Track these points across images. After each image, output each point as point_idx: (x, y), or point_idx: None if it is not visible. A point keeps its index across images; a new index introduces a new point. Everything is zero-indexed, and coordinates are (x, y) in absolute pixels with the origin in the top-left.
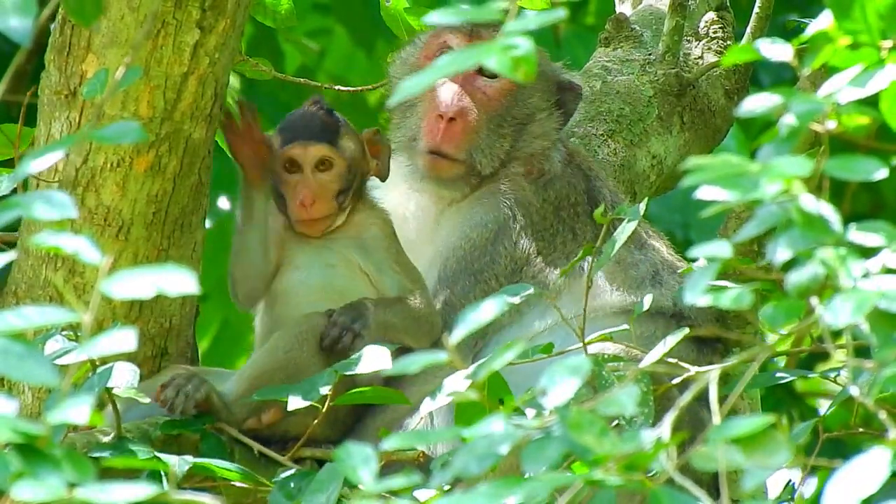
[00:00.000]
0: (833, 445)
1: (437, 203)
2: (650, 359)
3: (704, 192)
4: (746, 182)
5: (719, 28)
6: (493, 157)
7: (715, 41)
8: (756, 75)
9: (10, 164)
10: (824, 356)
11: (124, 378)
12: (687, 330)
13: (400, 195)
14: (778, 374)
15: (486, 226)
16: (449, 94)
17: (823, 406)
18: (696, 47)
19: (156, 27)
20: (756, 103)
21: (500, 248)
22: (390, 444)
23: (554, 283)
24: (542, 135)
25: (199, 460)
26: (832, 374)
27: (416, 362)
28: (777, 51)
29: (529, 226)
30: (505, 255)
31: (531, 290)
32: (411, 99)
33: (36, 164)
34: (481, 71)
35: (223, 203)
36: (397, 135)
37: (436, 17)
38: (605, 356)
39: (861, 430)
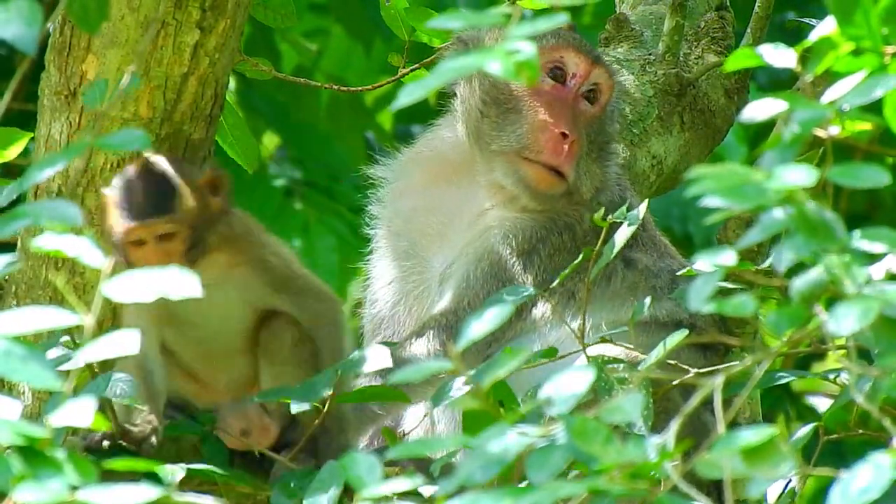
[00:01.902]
0: (830, 445)
1: (490, 198)
2: (649, 360)
3: (709, 202)
4: (751, 191)
5: (719, 28)
6: (593, 183)
7: (715, 41)
8: (753, 73)
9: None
10: (820, 354)
11: (121, 388)
12: (686, 332)
13: (444, 173)
14: (778, 375)
15: (530, 237)
16: (569, 113)
17: (820, 404)
18: (696, 47)
19: (155, 28)
20: (758, 109)
21: (535, 259)
22: (396, 452)
23: (580, 295)
24: (615, 163)
25: (197, 466)
26: (832, 376)
27: (420, 370)
28: (780, 56)
29: (570, 242)
30: (538, 266)
31: (531, 292)
32: (515, 103)
33: (39, 175)
34: (585, 94)
35: None
36: (490, 132)
37: (437, 23)
38: (606, 359)
39: (860, 431)
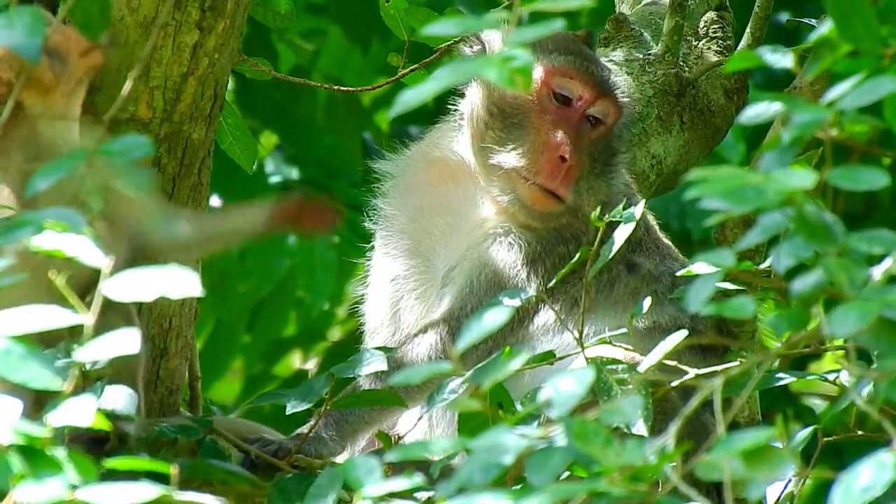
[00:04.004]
0: (829, 446)
1: (493, 204)
2: (649, 361)
3: (709, 203)
4: (750, 193)
5: (719, 28)
6: (596, 198)
7: (714, 41)
8: (751, 73)
9: None
10: (818, 354)
11: (120, 401)
12: (686, 332)
13: (451, 173)
14: (778, 376)
15: (535, 246)
16: (571, 135)
17: (817, 405)
18: (695, 47)
19: (157, 32)
20: (757, 111)
21: (540, 268)
22: (395, 454)
23: (581, 301)
24: (622, 175)
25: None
26: (831, 377)
27: (420, 372)
28: (779, 58)
29: (574, 252)
30: (542, 276)
31: (531, 294)
32: (520, 118)
33: (44, 182)
34: (588, 118)
35: (214, 201)
36: (491, 146)
37: (436, 28)
38: (605, 360)
39: (859, 433)
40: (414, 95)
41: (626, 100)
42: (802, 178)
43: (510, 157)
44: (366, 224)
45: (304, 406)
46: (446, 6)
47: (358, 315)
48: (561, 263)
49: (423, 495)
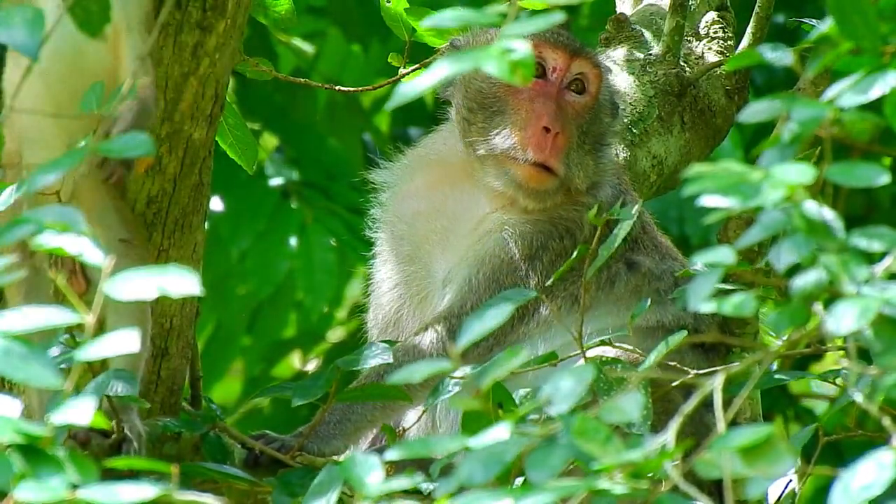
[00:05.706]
0: (829, 446)
1: (491, 202)
2: (649, 361)
3: (707, 200)
4: (749, 189)
5: (720, 28)
6: (587, 174)
7: (715, 41)
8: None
9: None
10: (818, 355)
11: (122, 386)
12: (686, 333)
13: (447, 176)
14: (778, 376)
15: (531, 242)
16: (552, 107)
17: (818, 407)
18: (696, 47)
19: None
20: (758, 109)
21: (537, 264)
22: (395, 453)
23: (579, 298)
24: (611, 156)
25: (196, 465)
26: (831, 377)
27: (420, 371)
28: (779, 56)
29: (571, 248)
30: (540, 271)
31: (533, 294)
32: (500, 105)
33: (43, 179)
34: (571, 85)
35: (216, 203)
36: (477, 138)
37: (434, 20)
38: (605, 359)
39: (860, 432)
40: (412, 88)
41: (603, 62)
42: (801, 172)
43: (497, 142)
44: (366, 231)
45: (309, 399)
46: (447, 6)
47: (358, 316)
48: (557, 259)
49: (425, 487)
